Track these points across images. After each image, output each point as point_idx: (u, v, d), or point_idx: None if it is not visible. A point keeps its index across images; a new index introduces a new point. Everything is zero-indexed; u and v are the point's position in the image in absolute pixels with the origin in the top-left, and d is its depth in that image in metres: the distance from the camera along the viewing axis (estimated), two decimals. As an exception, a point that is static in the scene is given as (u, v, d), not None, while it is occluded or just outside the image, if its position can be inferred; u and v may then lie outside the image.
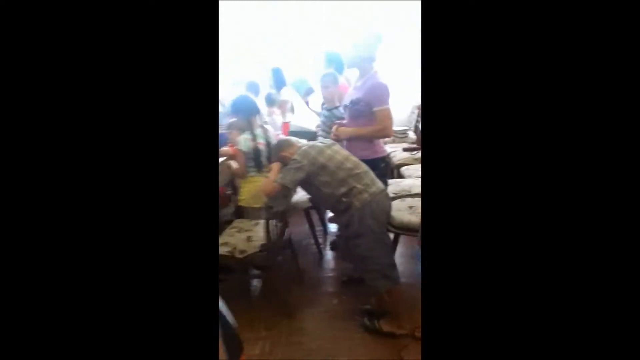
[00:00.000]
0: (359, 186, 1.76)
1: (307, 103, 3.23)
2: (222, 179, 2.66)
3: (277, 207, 2.02)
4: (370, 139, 2.09)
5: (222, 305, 0.82)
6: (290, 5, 4.41)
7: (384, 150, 2.20)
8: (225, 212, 2.59)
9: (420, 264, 1.59)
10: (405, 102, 4.37)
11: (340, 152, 1.87)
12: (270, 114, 3.40)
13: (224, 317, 0.79)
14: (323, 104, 2.66)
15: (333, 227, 3.13)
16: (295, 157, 1.82)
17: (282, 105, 3.49)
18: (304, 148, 1.86)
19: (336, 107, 2.52)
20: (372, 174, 1.86)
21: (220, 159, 2.67)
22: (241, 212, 2.49)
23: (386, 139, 2.31)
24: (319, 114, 2.88)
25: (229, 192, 2.72)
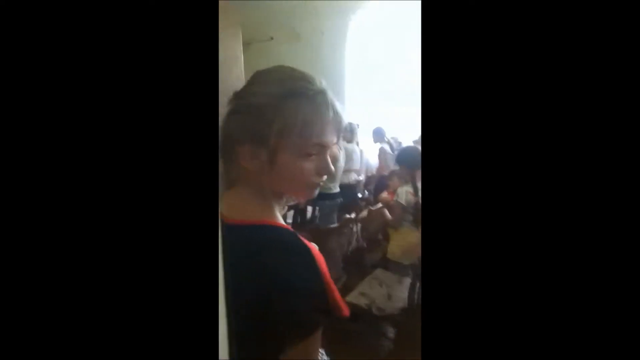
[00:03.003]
0: None
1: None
2: (375, 225, 2.64)
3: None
4: None
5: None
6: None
7: None
8: (371, 257, 2.54)
9: None
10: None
11: None
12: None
13: None
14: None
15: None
16: None
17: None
18: None
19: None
20: None
21: (378, 205, 2.66)
22: (388, 262, 2.40)
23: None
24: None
25: (379, 237, 2.67)
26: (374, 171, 3.74)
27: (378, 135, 3.72)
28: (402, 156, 2.29)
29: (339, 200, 2.68)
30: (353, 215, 2.46)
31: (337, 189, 2.66)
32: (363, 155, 3.80)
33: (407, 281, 2.07)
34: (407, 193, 2.17)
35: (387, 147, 3.51)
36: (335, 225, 2.26)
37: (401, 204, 2.17)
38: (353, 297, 2.08)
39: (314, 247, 0.66)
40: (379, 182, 3.40)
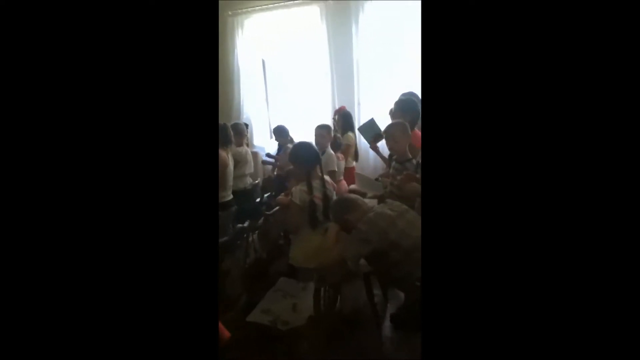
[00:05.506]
0: None
1: (374, 148, 2.94)
2: (276, 229, 2.45)
3: (330, 279, 1.72)
4: None
5: None
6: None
7: None
8: (274, 267, 2.35)
9: None
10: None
11: (417, 222, 1.49)
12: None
13: None
14: (392, 156, 2.34)
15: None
16: (361, 226, 1.49)
17: (346, 151, 3.25)
18: (371, 216, 1.52)
19: (409, 160, 2.18)
20: None
21: (275, 208, 2.48)
22: (292, 269, 2.22)
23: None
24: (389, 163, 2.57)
25: (281, 242, 2.50)
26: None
27: (279, 134, 3.56)
28: (295, 153, 2.13)
29: (233, 208, 2.41)
30: (247, 224, 2.22)
31: (229, 197, 2.39)
32: (258, 157, 3.57)
33: (311, 286, 1.93)
34: (302, 192, 2.01)
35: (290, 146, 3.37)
36: (225, 238, 1.99)
37: (297, 204, 2.01)
38: (255, 316, 1.87)
39: None
40: (278, 184, 3.22)
